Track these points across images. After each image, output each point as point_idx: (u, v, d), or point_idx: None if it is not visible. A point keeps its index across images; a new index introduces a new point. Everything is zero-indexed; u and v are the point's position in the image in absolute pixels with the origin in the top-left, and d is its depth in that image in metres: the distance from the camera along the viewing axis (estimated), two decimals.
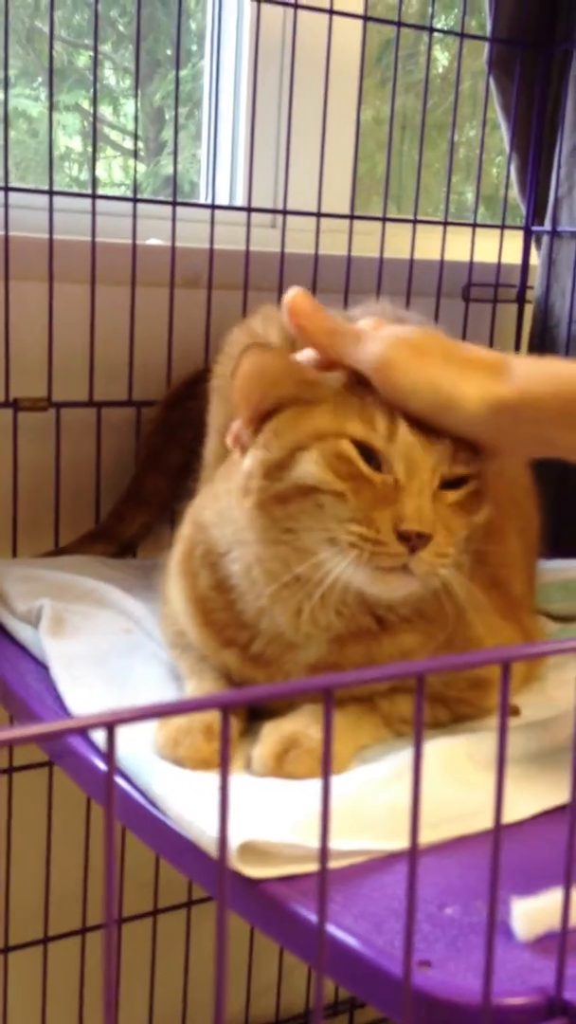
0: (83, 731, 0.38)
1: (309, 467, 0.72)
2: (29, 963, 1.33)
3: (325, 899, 0.44)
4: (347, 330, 0.77)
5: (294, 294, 0.78)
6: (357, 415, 0.73)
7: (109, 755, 0.39)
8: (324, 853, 0.44)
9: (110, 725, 0.39)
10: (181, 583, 0.85)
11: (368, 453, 0.72)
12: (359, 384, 0.76)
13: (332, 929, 0.57)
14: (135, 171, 1.24)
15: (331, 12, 1.28)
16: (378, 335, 0.76)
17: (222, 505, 0.81)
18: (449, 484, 0.74)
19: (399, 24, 1.33)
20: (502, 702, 0.46)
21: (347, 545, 0.71)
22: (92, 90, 1.20)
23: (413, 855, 0.45)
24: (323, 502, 0.72)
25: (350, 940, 0.56)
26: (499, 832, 0.47)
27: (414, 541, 0.70)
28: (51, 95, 1.17)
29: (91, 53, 1.56)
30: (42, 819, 1.27)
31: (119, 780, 0.74)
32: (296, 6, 1.27)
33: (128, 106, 1.61)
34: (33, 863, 1.29)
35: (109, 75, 1.65)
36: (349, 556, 0.71)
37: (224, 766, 0.41)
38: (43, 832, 1.28)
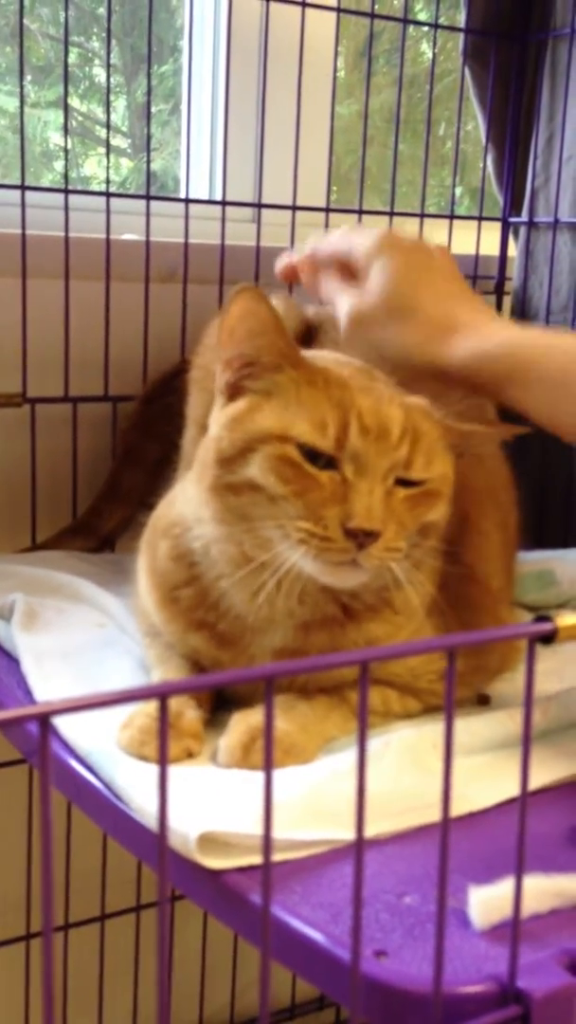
0: (18, 723, 0.38)
1: (255, 470, 0.74)
2: (11, 960, 1.33)
3: (269, 885, 0.44)
4: (331, 287, 0.91)
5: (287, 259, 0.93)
6: (308, 415, 0.74)
7: (42, 747, 0.39)
8: (267, 841, 0.44)
9: (44, 716, 0.38)
10: (143, 557, 0.87)
11: (317, 452, 0.73)
12: (323, 370, 0.77)
13: (290, 919, 0.57)
14: (108, 165, 1.24)
15: (304, 4, 1.28)
16: (343, 299, 0.88)
17: (190, 482, 0.82)
18: (404, 482, 0.75)
19: (373, 16, 1.32)
20: (448, 688, 0.46)
21: (296, 540, 0.72)
22: (64, 83, 1.20)
23: (359, 844, 0.45)
24: (274, 499, 0.73)
25: (307, 930, 0.56)
26: (447, 821, 0.47)
27: (361, 538, 0.71)
28: (21, 88, 1.16)
29: (79, 50, 1.56)
30: (23, 815, 1.27)
31: (87, 774, 0.74)
32: None
33: (118, 103, 1.61)
34: (15, 860, 1.29)
35: (99, 73, 1.65)
36: (300, 550, 0.72)
37: (163, 753, 0.41)
38: (24, 829, 1.27)
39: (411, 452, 0.74)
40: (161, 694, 0.41)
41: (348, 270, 0.89)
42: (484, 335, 0.83)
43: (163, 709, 0.41)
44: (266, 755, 0.43)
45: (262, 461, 0.74)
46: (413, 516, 0.75)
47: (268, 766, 0.43)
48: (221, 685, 0.54)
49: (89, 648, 0.93)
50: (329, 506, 0.72)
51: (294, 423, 0.74)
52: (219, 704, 0.81)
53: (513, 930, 0.50)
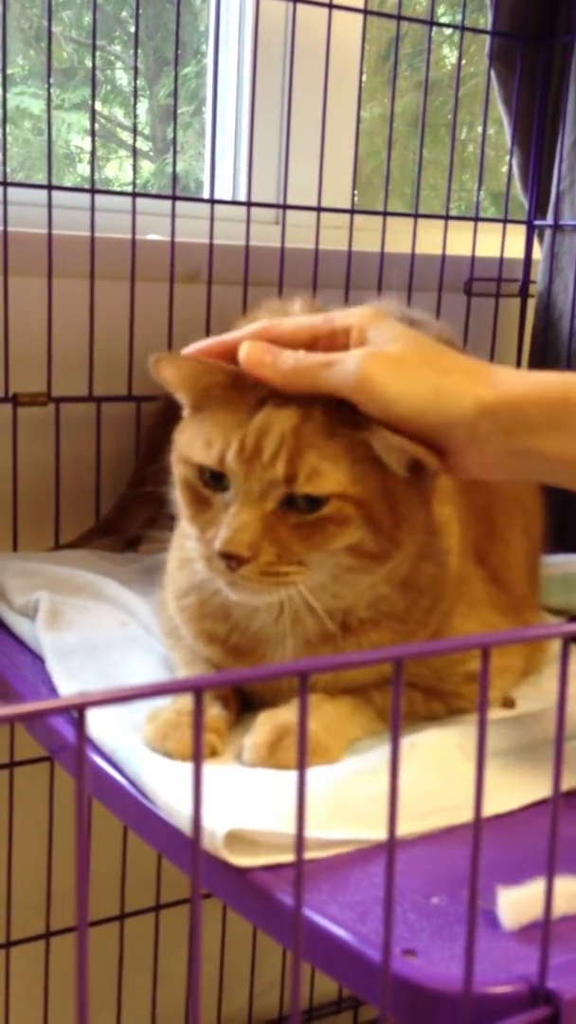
0: (54, 713, 0.38)
1: (177, 489, 0.78)
2: (31, 958, 1.33)
3: (301, 884, 0.43)
4: (312, 361, 0.73)
5: (244, 348, 0.75)
6: (205, 436, 0.75)
7: (80, 738, 0.39)
8: (300, 839, 0.44)
9: (80, 707, 0.38)
10: (168, 563, 0.89)
11: (214, 472, 0.75)
12: (243, 392, 0.75)
13: (317, 918, 0.57)
14: (135, 165, 1.24)
15: (331, 6, 1.28)
16: (349, 355, 0.72)
17: None
18: (312, 504, 0.72)
19: (399, 18, 1.33)
20: (482, 687, 0.46)
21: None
22: (91, 84, 1.21)
23: (391, 843, 0.45)
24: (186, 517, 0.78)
25: (335, 928, 0.56)
26: (479, 821, 0.47)
27: (229, 561, 0.72)
28: (48, 89, 1.17)
29: (101, 53, 1.57)
30: (43, 814, 1.27)
31: (112, 771, 0.74)
32: None
33: (140, 106, 1.61)
34: (35, 858, 1.29)
35: (120, 76, 1.65)
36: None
37: (198, 750, 0.41)
38: (44, 827, 1.28)
39: (290, 468, 0.71)
40: (196, 687, 0.41)
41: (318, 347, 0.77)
42: (526, 373, 0.75)
43: (198, 702, 0.41)
44: (300, 752, 0.42)
45: (177, 480, 0.78)
46: (310, 544, 0.72)
47: (302, 763, 0.43)
48: (255, 680, 0.54)
49: (112, 646, 0.93)
50: (210, 528, 0.74)
51: (194, 444, 0.76)
52: (242, 707, 0.81)
53: (544, 930, 0.50)
